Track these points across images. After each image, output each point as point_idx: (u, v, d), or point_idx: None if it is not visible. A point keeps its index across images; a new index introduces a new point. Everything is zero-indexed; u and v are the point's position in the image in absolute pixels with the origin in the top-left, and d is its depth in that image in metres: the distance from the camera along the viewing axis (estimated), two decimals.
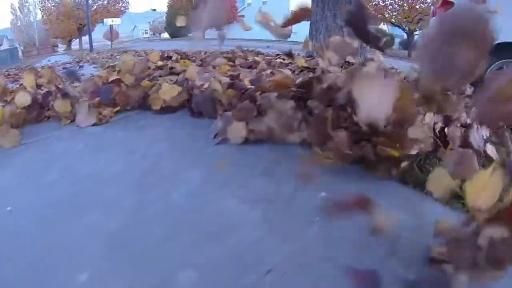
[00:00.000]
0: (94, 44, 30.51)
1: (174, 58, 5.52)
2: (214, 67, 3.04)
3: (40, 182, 1.49)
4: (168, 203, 1.26)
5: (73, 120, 2.18)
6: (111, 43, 20.49)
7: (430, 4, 21.14)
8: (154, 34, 44.48)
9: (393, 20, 22.52)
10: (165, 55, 5.94)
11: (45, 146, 1.91)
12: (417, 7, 21.83)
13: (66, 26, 28.91)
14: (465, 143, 1.42)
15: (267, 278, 0.90)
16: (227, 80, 2.21)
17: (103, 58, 9.88)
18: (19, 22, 38.44)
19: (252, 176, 1.41)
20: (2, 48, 33.00)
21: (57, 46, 36.74)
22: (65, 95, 2.15)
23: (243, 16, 32.36)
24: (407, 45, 22.26)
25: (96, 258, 1.00)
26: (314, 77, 1.73)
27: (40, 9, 31.02)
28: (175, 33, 32.01)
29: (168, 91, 2.19)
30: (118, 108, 2.24)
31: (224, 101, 2.05)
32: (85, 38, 30.13)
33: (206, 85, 2.13)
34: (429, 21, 4.39)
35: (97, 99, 2.16)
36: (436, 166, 1.30)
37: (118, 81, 2.25)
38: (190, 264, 0.96)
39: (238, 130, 1.70)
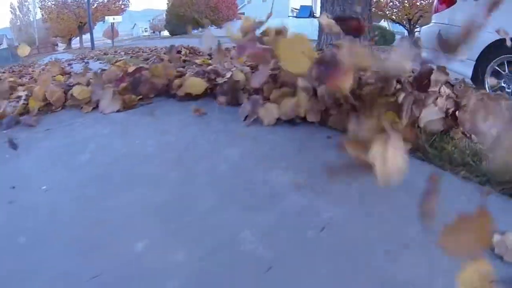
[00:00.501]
0: (89, 43, 30.49)
1: (183, 52, 5.55)
2: (231, 58, 3.09)
3: (73, 163, 1.49)
4: (214, 176, 1.28)
5: (95, 108, 2.19)
6: (113, 41, 20.43)
7: (431, 0, 21.18)
8: (154, 32, 44.44)
9: (393, 17, 22.55)
10: (176, 50, 5.98)
11: (71, 131, 1.91)
12: (418, 4, 21.85)
13: (67, 25, 28.89)
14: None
15: (323, 233, 0.94)
16: (248, 69, 2.25)
17: (105, 54, 9.88)
18: (18, 21, 38.43)
19: (288, 152, 1.45)
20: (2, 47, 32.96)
21: (57, 45, 36.71)
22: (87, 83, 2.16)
23: (243, 13, 32.36)
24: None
25: (150, 228, 1.01)
26: None
27: (40, 7, 30.99)
28: (175, 31, 31.99)
29: (193, 80, 2.23)
30: (140, 96, 2.25)
31: (248, 87, 2.08)
32: (85, 37, 30.20)
33: (228, 75, 2.19)
34: (431, 18, 4.40)
35: (122, 85, 2.16)
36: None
37: (141, 70, 2.26)
38: (248, 226, 0.98)
39: (270, 111, 1.72)
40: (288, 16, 29.39)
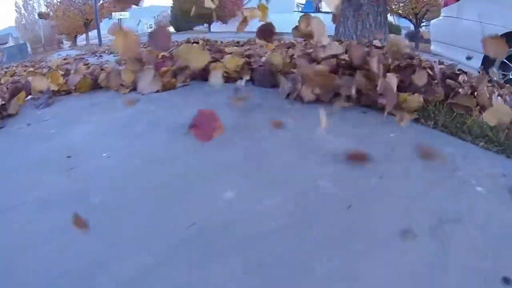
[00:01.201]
0: (96, 40, 30.58)
1: (200, 43, 5.65)
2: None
3: (129, 133, 1.57)
4: (279, 140, 1.36)
5: (132, 90, 2.27)
6: None
7: None
8: None
9: (400, 11, 22.47)
10: (192, 41, 6.07)
11: (116, 107, 1.98)
12: None
13: (72, 22, 28.96)
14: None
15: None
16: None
17: None
18: (23, 20, 38.59)
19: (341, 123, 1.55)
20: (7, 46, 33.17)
21: (62, 42, 36.86)
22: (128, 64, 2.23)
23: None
24: (413, 36, 22.16)
25: (234, 181, 1.06)
26: None
27: (46, 5, 31.10)
28: (181, 26, 32.00)
29: (231, 62, 2.30)
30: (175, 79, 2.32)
31: (285, 70, 2.16)
32: (90, 35, 30.31)
33: (263, 59, 2.30)
34: (440, 12, 4.44)
35: (163, 69, 2.23)
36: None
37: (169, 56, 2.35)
38: (324, 174, 1.06)
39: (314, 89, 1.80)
40: (293, 11, 29.37)
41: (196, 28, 32.42)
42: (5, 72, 6.24)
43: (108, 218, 0.96)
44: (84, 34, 33.70)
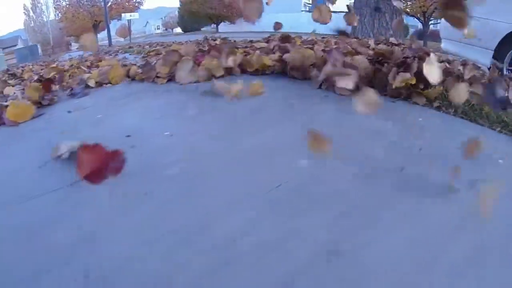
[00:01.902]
0: (105, 41, 30.86)
1: (218, 41, 5.73)
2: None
3: (184, 115, 1.66)
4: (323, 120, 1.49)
5: (169, 80, 2.35)
6: (130, 37, 20.70)
7: None
8: (166, 29, 44.78)
9: (407, 10, 22.43)
10: (210, 40, 6.17)
11: (159, 96, 2.06)
12: None
13: (81, 24, 29.24)
14: None
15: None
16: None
17: (130, 47, 10.05)
18: (32, 22, 39.02)
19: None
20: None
21: (70, 44, 37.24)
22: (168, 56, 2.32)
23: None
24: (422, 35, 22.12)
25: (305, 153, 1.13)
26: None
27: (55, 7, 31.47)
28: (188, 27, 32.22)
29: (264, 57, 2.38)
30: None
31: (318, 62, 2.24)
32: (98, 36, 30.59)
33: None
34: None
35: (203, 62, 2.32)
36: None
37: (215, 48, 2.43)
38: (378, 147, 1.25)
39: (348, 80, 1.87)
40: (301, 11, 29.42)
41: (204, 28, 32.68)
42: (22, 70, 6.33)
43: (196, 185, 1.04)
44: None
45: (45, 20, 38.92)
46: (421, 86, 1.85)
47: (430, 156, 1.22)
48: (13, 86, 3.34)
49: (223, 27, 30.51)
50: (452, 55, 4.17)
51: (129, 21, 20.52)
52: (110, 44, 18.19)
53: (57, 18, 36.86)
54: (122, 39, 26.79)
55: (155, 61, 2.59)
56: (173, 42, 9.63)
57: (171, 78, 2.34)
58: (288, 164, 1.14)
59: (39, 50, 23.25)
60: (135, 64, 3.03)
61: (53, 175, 1.12)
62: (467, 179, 1.00)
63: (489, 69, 3.48)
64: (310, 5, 29.99)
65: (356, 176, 1.07)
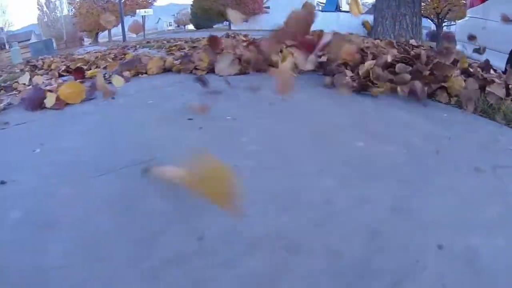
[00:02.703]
0: (117, 37, 31.09)
1: (238, 38, 5.80)
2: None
3: (239, 103, 1.75)
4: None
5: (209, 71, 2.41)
6: (144, 33, 20.83)
7: None
8: (178, 26, 44.92)
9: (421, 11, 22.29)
10: (230, 36, 6.23)
11: (196, 87, 2.10)
12: None
13: (95, 19, 29.45)
14: None
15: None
16: None
17: (148, 43, 10.10)
18: (46, 17, 39.41)
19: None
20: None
21: (83, 39, 37.56)
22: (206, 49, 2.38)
23: (268, 7, 32.38)
24: (435, 36, 21.97)
25: (360, 134, 1.21)
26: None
27: (69, 2, 31.75)
28: (200, 24, 32.30)
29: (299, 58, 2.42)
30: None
31: (352, 63, 2.28)
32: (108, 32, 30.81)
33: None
34: (464, 12, 4.53)
35: (244, 57, 2.38)
36: None
37: (254, 43, 2.50)
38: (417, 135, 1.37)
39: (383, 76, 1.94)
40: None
41: (216, 26, 32.71)
42: (43, 62, 6.40)
43: (278, 159, 1.15)
44: (103, 31, 34.32)
45: (59, 15, 39.30)
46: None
47: (458, 144, 1.37)
48: (41, 75, 3.43)
49: (236, 25, 30.57)
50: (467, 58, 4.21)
51: (143, 17, 20.64)
52: (124, 39, 18.29)
53: (70, 14, 37.23)
54: (134, 35, 26.96)
55: (193, 53, 2.65)
56: (191, 38, 9.62)
57: (209, 70, 2.41)
58: (349, 144, 1.27)
59: (54, 44, 23.46)
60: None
61: (122, 153, 1.18)
62: (490, 164, 1.16)
63: (504, 72, 3.50)
64: (324, 4, 29.92)
65: (401, 155, 1.22)
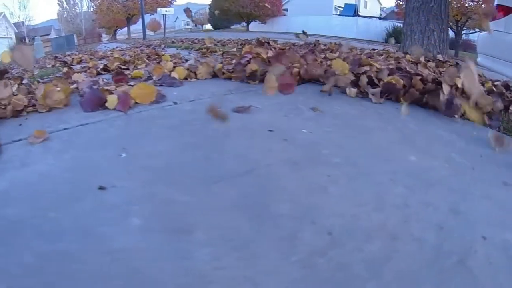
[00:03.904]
0: (135, 34, 31.51)
1: (271, 43, 5.79)
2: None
3: (307, 115, 1.79)
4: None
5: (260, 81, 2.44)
6: (164, 31, 21.03)
7: (480, 2, 20.68)
8: (196, 25, 45.28)
9: None
10: (263, 41, 6.20)
11: (259, 95, 2.16)
12: (466, 5, 21.38)
13: (115, 16, 29.85)
14: None
15: None
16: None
17: (173, 42, 10.09)
18: (65, 13, 40.07)
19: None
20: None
21: (101, 35, 38.10)
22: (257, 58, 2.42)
23: (286, 10, 32.48)
24: (453, 44, 21.81)
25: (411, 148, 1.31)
26: None
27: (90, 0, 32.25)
28: (218, 25, 32.53)
29: (342, 67, 2.44)
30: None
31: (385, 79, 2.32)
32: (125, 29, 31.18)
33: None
34: (488, 25, 4.52)
35: (294, 70, 2.42)
36: None
37: (311, 55, 2.55)
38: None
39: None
40: (332, 14, 29.34)
41: (233, 26, 32.88)
42: (72, 58, 6.41)
43: (357, 170, 1.26)
44: (122, 28, 34.79)
45: (78, 11, 39.92)
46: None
47: (488, 161, 1.50)
48: (80, 73, 3.46)
49: (253, 26, 30.67)
50: (487, 70, 4.27)
51: (164, 16, 20.85)
52: (144, 37, 18.48)
53: (90, 10, 37.80)
54: (152, 33, 27.23)
55: (245, 61, 2.68)
56: (216, 40, 9.60)
57: (260, 80, 2.44)
58: (404, 158, 1.40)
59: (75, 40, 23.80)
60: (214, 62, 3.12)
61: (218, 162, 1.23)
62: None
63: None
64: (342, 9, 29.93)
65: (445, 169, 1.34)
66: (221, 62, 2.96)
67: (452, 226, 0.98)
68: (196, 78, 2.74)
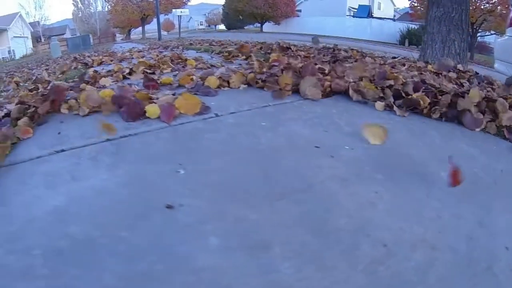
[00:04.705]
0: (148, 34, 31.81)
1: (293, 48, 5.85)
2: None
3: (345, 130, 1.88)
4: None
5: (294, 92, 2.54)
6: (179, 31, 21.23)
7: (496, 4, 20.46)
8: (209, 25, 45.60)
9: None
10: (285, 46, 6.25)
11: (296, 108, 2.25)
12: (482, 7, 21.16)
13: (130, 16, 30.15)
14: None
15: None
16: None
17: (191, 44, 10.02)
18: (80, 13, 40.61)
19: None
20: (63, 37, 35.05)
21: (115, 35, 38.54)
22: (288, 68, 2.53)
23: (300, 10, 32.47)
24: (469, 46, 21.57)
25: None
26: None
27: (105, 0, 32.65)
28: (232, 25, 32.68)
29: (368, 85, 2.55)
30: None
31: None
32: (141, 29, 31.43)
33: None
34: (500, 22, 4.53)
35: (326, 83, 2.52)
36: None
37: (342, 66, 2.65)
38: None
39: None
40: (346, 15, 29.27)
41: (247, 27, 33.00)
42: (92, 60, 6.34)
43: (403, 185, 1.38)
44: (136, 28, 35.13)
45: (92, 11, 40.43)
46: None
47: (509, 176, 1.58)
48: (106, 77, 3.47)
49: (267, 26, 30.74)
50: (504, 75, 4.30)
51: (179, 17, 21.04)
52: (159, 38, 18.68)
53: (104, 10, 38.26)
54: (165, 33, 27.42)
55: (276, 71, 2.78)
56: (229, 40, 9.59)
57: (294, 91, 2.54)
58: (437, 174, 1.48)
59: (91, 40, 24.12)
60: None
61: (273, 179, 1.34)
62: None
63: None
64: (356, 10, 29.82)
65: (470, 184, 1.41)
66: (252, 71, 3.04)
67: (479, 237, 1.09)
68: (229, 86, 2.83)
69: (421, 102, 2.29)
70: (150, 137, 1.72)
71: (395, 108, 2.33)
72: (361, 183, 1.34)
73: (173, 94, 2.35)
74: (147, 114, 2.00)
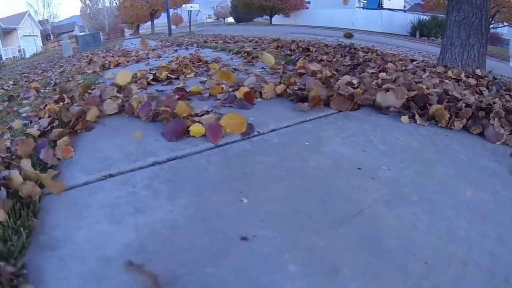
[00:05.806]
0: (157, 28, 31.85)
1: (312, 49, 5.90)
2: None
3: (382, 149, 1.98)
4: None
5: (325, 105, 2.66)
6: (190, 26, 21.27)
7: None
8: (218, 18, 45.51)
9: None
10: (304, 47, 6.27)
11: (322, 125, 2.31)
12: None
13: (139, 12, 30.23)
14: None
15: None
16: None
17: (205, 42, 9.44)
18: (88, 9, 40.76)
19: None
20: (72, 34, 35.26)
21: (123, 30, 38.68)
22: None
23: (309, 2, 32.22)
24: None
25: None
26: None
27: None
28: (241, 17, 32.63)
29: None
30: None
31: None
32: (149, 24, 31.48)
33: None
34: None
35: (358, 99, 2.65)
36: None
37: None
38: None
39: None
40: (356, 7, 29.02)
41: (256, 19, 32.92)
42: (109, 62, 6.10)
43: (435, 205, 1.48)
44: (144, 23, 35.23)
45: (100, 7, 40.54)
46: None
47: None
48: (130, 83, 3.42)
49: (276, 19, 30.63)
50: None
51: (189, 11, 21.08)
52: (170, 34, 18.78)
53: (112, 6, 38.37)
54: (174, 26, 27.45)
55: (305, 83, 2.87)
56: (242, 36, 9.25)
57: (326, 103, 2.66)
58: (463, 193, 1.59)
59: (101, 38, 24.25)
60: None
61: (327, 204, 1.44)
62: None
63: None
64: (366, 1, 29.54)
65: (493, 202, 1.53)
66: (281, 82, 3.12)
67: (500, 254, 1.21)
68: (261, 97, 2.83)
69: (445, 115, 2.41)
70: (200, 161, 1.74)
71: (416, 117, 2.43)
72: (401, 205, 1.45)
73: (212, 110, 2.38)
74: (190, 133, 2.01)
